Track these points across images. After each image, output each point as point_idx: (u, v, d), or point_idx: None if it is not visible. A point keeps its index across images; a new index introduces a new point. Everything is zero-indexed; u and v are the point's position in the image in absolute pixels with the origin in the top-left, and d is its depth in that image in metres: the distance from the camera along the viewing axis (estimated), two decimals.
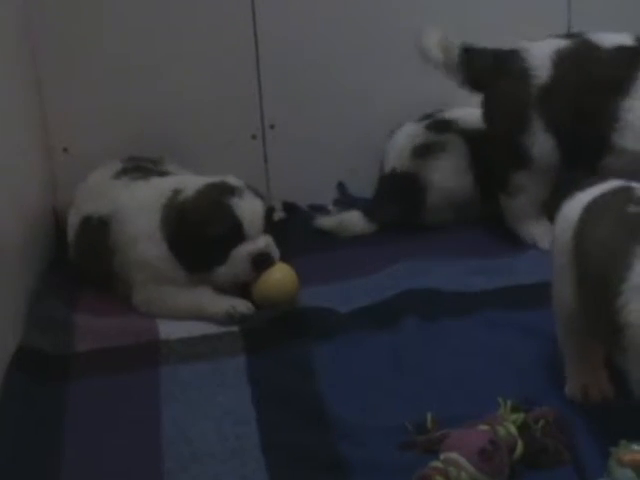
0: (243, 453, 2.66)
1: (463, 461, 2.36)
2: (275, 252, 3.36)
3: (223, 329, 3.29)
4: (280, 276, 3.34)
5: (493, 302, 3.31)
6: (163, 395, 2.96)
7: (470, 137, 3.95)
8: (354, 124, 4.17)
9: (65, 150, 3.97)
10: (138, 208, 3.44)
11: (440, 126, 4.02)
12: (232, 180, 3.44)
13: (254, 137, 4.17)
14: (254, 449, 2.68)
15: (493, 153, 3.72)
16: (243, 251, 3.30)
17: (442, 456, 2.40)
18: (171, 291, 3.39)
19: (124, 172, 3.66)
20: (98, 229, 3.51)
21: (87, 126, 4.01)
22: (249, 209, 3.35)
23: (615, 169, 3.17)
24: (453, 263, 3.61)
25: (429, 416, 2.59)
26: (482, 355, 3.02)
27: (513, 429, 2.48)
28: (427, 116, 4.09)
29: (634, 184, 2.64)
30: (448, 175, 3.92)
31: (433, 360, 3.04)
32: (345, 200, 4.14)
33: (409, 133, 4.04)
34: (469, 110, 4.03)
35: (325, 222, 3.95)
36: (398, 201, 3.96)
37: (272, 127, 4.18)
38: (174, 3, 4.12)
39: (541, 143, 3.48)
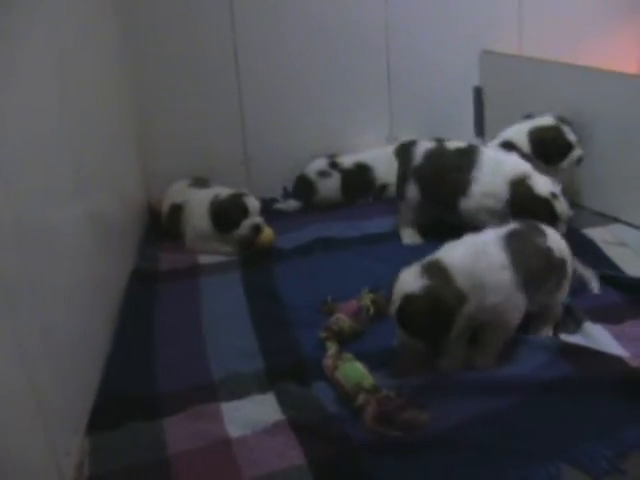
0: (239, 318, 2.82)
1: (345, 318, 2.58)
2: (263, 224, 3.43)
3: (228, 259, 3.39)
4: (268, 233, 3.44)
5: (360, 242, 3.42)
6: (202, 290, 3.07)
7: (343, 172, 4.00)
8: (293, 157, 4.08)
9: (153, 172, 3.96)
10: (198, 202, 3.56)
11: (333, 164, 4.03)
12: (244, 190, 3.55)
13: (242, 164, 4.11)
14: (245, 315, 2.83)
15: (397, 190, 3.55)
16: (248, 223, 3.41)
17: (335, 316, 2.60)
18: (205, 242, 3.49)
19: (192, 184, 3.75)
20: (178, 211, 3.62)
21: (163, 161, 3.96)
22: (252, 203, 3.45)
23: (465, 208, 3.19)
24: (339, 224, 3.62)
25: (329, 297, 2.75)
26: (354, 268, 3.14)
27: (368, 301, 2.67)
28: (331, 155, 4.09)
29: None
30: (329, 188, 4.00)
31: (331, 267, 3.17)
32: (286, 195, 4.12)
33: (319, 162, 4.05)
34: (347, 157, 4.08)
35: (279, 206, 3.99)
36: (302, 191, 4.03)
37: (251, 160, 4.12)
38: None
39: (412, 192, 3.37)
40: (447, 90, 4.32)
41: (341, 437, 2.07)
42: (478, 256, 2.31)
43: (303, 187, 4.06)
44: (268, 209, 3.83)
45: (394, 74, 4.24)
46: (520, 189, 3.02)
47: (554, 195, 2.97)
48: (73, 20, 2.72)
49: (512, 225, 2.48)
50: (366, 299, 2.68)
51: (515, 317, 2.36)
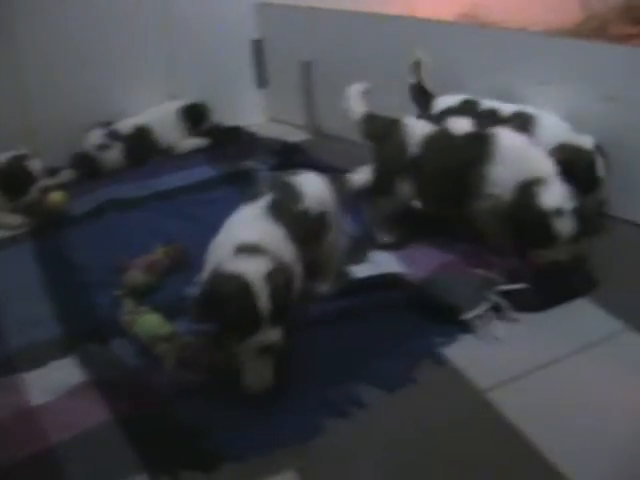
0: (34, 287, 2.78)
1: (139, 273, 2.60)
2: (51, 186, 3.33)
3: (19, 231, 3.28)
4: (58, 196, 3.35)
5: (151, 200, 3.39)
6: None
7: (124, 140, 3.85)
8: (78, 123, 3.78)
9: None
10: None
11: (111, 133, 3.84)
12: (24, 151, 3.38)
13: (28, 133, 3.76)
14: (39, 284, 2.80)
15: (374, 186, 2.85)
16: (35, 187, 3.28)
17: (129, 273, 2.62)
18: None
19: None
20: None
21: None
22: (35, 166, 3.31)
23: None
24: (129, 185, 3.56)
25: (122, 256, 2.71)
26: (147, 225, 3.12)
27: (161, 255, 2.70)
28: (107, 123, 3.91)
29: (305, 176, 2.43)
30: (112, 159, 3.80)
31: (124, 227, 3.15)
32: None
33: (96, 134, 3.83)
34: (125, 121, 3.94)
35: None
36: (85, 168, 3.80)
37: (35, 130, 3.82)
38: None
39: (404, 189, 2.72)
40: (227, 44, 4.33)
41: (145, 389, 2.10)
42: (265, 233, 2.13)
43: (85, 164, 3.86)
44: None
45: (173, 30, 4.18)
46: (523, 196, 2.50)
47: (559, 211, 2.44)
48: None
49: (267, 196, 2.27)
50: (159, 253, 2.70)
51: (297, 288, 2.18)
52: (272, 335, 1.95)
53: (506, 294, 2.39)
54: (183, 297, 2.47)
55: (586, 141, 2.78)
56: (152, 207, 3.34)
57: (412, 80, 3.26)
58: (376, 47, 3.69)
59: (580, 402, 2.00)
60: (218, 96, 4.22)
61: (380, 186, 2.83)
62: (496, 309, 2.36)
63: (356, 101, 2.92)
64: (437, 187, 2.70)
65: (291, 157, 3.62)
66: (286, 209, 2.24)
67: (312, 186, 2.39)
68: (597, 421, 1.92)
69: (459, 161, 2.64)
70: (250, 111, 4.28)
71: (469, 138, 2.66)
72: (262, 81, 4.47)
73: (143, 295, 2.54)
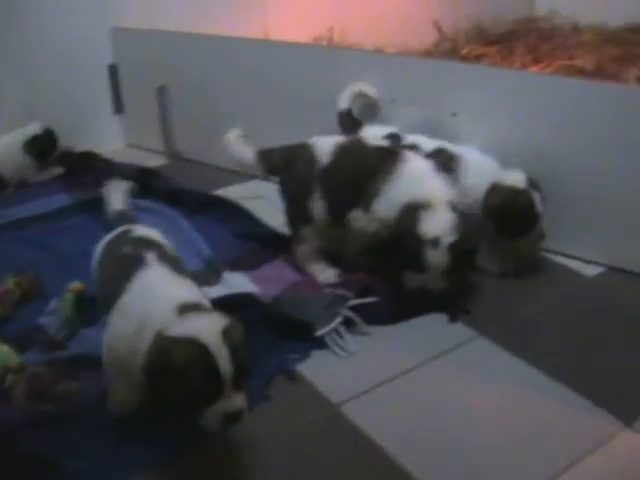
0: None
1: None
2: None
3: None
4: None
5: (2, 230, 3.25)
6: None
7: None
8: None
9: None
10: None
11: None
12: None
13: None
14: None
15: (288, 215, 2.80)
16: None
17: None
18: None
19: None
20: None
21: None
22: None
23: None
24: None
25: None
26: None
27: (12, 285, 2.61)
28: None
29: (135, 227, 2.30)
30: None
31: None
32: None
33: None
34: None
35: None
36: None
37: None
38: None
39: (318, 206, 2.65)
40: (83, 69, 4.26)
41: None
42: (194, 290, 2.03)
43: None
44: None
45: (27, 54, 4.07)
46: (405, 219, 2.45)
47: (435, 242, 2.39)
48: None
49: (155, 254, 2.09)
50: (9, 283, 2.63)
51: None
52: (236, 401, 1.75)
53: (357, 308, 2.45)
54: (36, 327, 2.43)
55: (518, 179, 2.65)
56: (3, 237, 3.22)
57: (342, 107, 3.22)
58: (230, 70, 3.76)
59: (432, 408, 2.08)
60: (74, 122, 4.16)
61: (297, 215, 2.76)
62: (348, 324, 2.41)
63: (240, 146, 2.87)
64: (337, 194, 2.63)
65: (148, 182, 3.58)
66: (178, 265, 2.13)
67: (161, 238, 2.29)
68: (449, 426, 2.01)
69: (362, 169, 2.59)
70: (107, 137, 4.25)
71: (379, 150, 2.63)
72: (118, 106, 4.43)
73: None
